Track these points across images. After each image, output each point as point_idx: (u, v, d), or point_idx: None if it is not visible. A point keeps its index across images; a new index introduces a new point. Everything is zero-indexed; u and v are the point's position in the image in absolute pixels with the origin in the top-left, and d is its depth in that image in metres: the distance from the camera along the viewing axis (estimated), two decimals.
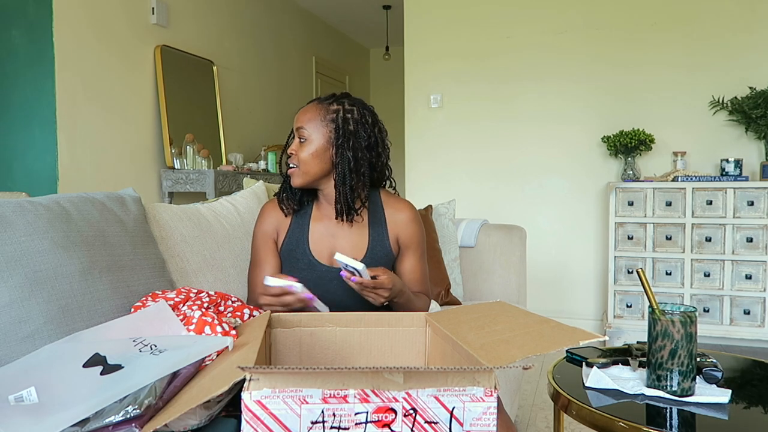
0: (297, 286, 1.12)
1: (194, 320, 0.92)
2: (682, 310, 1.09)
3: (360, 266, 1.13)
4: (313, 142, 1.31)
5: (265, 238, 1.39)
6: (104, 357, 0.77)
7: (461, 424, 0.64)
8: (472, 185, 3.72)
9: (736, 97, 3.16)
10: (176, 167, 3.36)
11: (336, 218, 1.35)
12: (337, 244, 1.36)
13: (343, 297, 1.32)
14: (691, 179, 3.02)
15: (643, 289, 1.14)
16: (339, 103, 1.34)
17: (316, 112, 1.33)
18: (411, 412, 0.62)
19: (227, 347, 0.82)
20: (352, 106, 1.34)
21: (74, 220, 1.05)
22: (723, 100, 3.19)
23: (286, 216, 1.40)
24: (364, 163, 1.32)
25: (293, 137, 1.36)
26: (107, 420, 0.68)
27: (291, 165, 1.34)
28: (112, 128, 3.05)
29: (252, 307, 1.10)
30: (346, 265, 1.14)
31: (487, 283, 2.24)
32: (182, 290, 1.07)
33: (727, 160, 3.07)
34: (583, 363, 1.25)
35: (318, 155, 1.31)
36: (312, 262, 1.35)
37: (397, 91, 4.50)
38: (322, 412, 0.61)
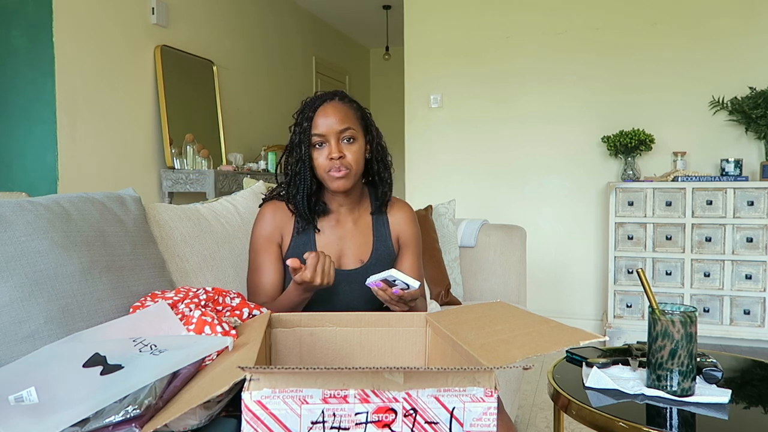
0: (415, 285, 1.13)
1: (194, 320, 0.92)
2: (682, 310, 1.09)
3: (417, 284, 1.13)
4: (359, 142, 1.31)
5: (270, 242, 1.34)
6: (104, 357, 0.77)
7: (461, 425, 0.63)
8: (472, 185, 3.72)
9: (736, 97, 3.16)
10: (176, 167, 3.36)
11: (372, 214, 1.39)
12: (344, 246, 1.36)
13: (352, 298, 1.33)
14: (691, 179, 3.02)
15: (643, 289, 1.14)
16: (352, 100, 1.35)
17: (348, 110, 1.31)
18: (411, 412, 0.62)
19: (227, 347, 0.82)
20: (359, 102, 1.37)
21: (74, 220, 1.05)
22: (723, 100, 3.19)
23: (291, 218, 1.35)
24: (388, 157, 1.39)
25: (323, 143, 1.28)
26: (107, 420, 0.68)
27: (339, 168, 1.26)
28: (112, 128, 3.05)
29: (252, 306, 1.10)
30: (395, 279, 1.12)
31: (487, 283, 2.24)
32: (181, 289, 1.07)
33: (727, 160, 3.07)
34: (583, 363, 1.25)
35: (363, 154, 1.32)
36: None
37: (397, 91, 4.50)
38: (323, 412, 0.61)
